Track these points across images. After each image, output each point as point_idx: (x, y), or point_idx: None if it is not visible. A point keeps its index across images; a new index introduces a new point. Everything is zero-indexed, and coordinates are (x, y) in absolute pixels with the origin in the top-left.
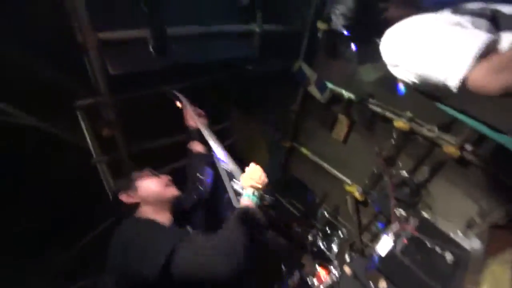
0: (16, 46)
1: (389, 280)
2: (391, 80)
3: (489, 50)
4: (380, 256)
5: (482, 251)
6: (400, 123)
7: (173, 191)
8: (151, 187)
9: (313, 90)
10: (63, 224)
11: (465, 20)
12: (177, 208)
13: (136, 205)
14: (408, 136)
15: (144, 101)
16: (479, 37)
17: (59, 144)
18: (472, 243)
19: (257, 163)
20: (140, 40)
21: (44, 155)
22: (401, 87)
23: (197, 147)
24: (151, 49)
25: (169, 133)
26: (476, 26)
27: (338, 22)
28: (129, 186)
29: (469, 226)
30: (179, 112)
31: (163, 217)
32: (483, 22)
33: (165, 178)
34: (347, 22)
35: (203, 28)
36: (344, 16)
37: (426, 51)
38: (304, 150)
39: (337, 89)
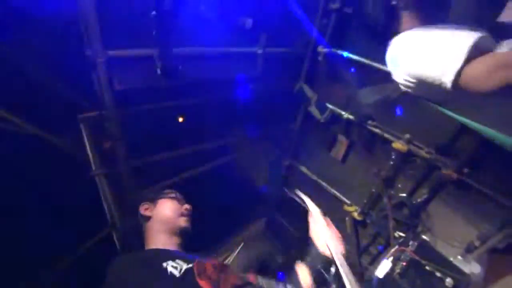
0: (25, 55)
1: None
2: (390, 103)
3: (481, 48)
4: (378, 279)
5: (482, 275)
6: (398, 145)
7: (183, 222)
8: (166, 208)
9: (314, 110)
10: (55, 235)
11: (463, 28)
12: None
13: (147, 218)
14: (406, 157)
15: (147, 115)
16: (471, 36)
17: (58, 155)
18: (472, 268)
19: (257, 179)
20: (148, 58)
21: (42, 165)
22: (399, 110)
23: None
24: (157, 69)
25: (170, 147)
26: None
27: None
28: (151, 199)
29: (468, 250)
30: (181, 126)
31: (170, 241)
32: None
33: (183, 207)
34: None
35: (209, 49)
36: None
37: (424, 51)
38: (303, 169)
39: (336, 110)
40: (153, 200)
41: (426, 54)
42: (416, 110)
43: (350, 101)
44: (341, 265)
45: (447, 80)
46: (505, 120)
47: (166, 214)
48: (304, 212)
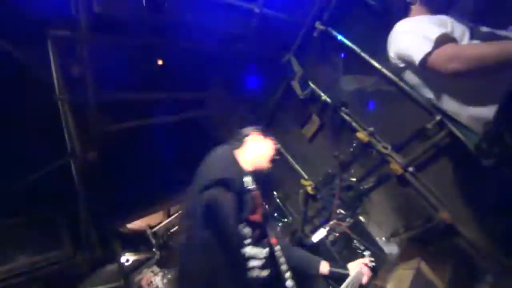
0: None
1: None
2: (366, 95)
3: (446, 41)
4: (313, 243)
5: (396, 256)
6: (361, 135)
7: (268, 166)
8: (260, 149)
9: (296, 85)
10: (13, 158)
11: (448, 20)
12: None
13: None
14: (365, 148)
15: (124, 49)
16: (438, 31)
17: (23, 74)
18: (391, 248)
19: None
20: None
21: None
22: (371, 104)
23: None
24: (144, 3)
25: (139, 89)
26: (454, 27)
27: None
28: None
29: (393, 234)
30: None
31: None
32: (462, 27)
33: (273, 151)
34: None
35: None
36: None
37: (407, 36)
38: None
39: (317, 90)
40: (264, 135)
41: (408, 38)
42: (386, 108)
43: (331, 84)
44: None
45: (417, 60)
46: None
47: (259, 153)
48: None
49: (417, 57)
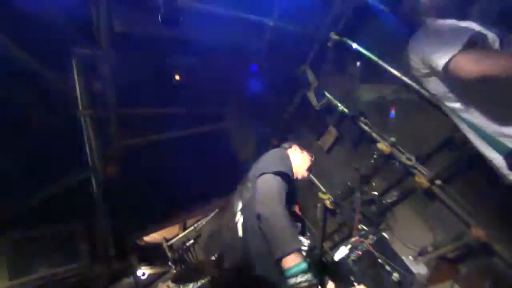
0: None
1: (337, 285)
2: (385, 104)
3: (472, 43)
4: (334, 261)
5: (426, 277)
6: (383, 146)
7: (305, 175)
8: (299, 160)
9: (311, 96)
10: (34, 169)
11: (475, 26)
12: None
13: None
14: (387, 159)
15: (144, 65)
16: (465, 32)
17: (47, 87)
18: (419, 269)
19: (241, 155)
20: (153, 4)
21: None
22: (392, 113)
23: None
24: (160, 19)
25: (162, 103)
26: (483, 31)
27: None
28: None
29: (420, 253)
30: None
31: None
32: (491, 34)
33: (309, 163)
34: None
35: (218, 8)
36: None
37: (429, 39)
38: None
39: (333, 101)
40: (302, 149)
41: (431, 41)
42: (407, 117)
43: (348, 94)
44: None
45: (441, 63)
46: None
47: (302, 169)
48: None
49: (441, 61)
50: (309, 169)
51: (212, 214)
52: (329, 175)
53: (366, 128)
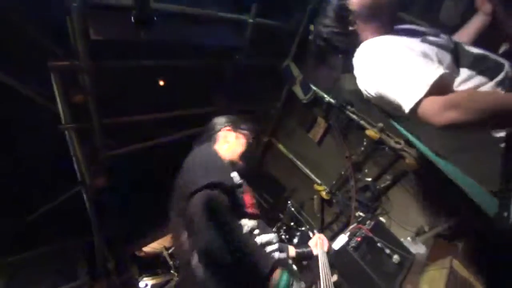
0: None
1: (340, 273)
2: None
3: (442, 84)
4: (334, 250)
5: (425, 256)
6: (371, 132)
7: (238, 159)
8: (231, 146)
9: (297, 89)
10: (21, 189)
11: (431, 50)
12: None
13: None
14: (377, 145)
15: (124, 73)
16: (434, 72)
17: (28, 105)
18: (418, 248)
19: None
20: (125, 9)
21: (8, 114)
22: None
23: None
24: (132, 19)
25: (146, 110)
26: (440, 58)
27: (319, 32)
28: (235, 126)
29: (418, 233)
30: (160, 89)
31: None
32: (447, 54)
33: (243, 146)
34: (327, 32)
35: (194, 9)
36: (324, 27)
37: (389, 72)
38: (281, 147)
39: (319, 92)
40: (236, 129)
41: (392, 76)
42: None
43: (333, 85)
44: (321, 258)
45: (406, 107)
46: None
47: (232, 148)
48: (274, 188)
49: (406, 105)
50: (248, 153)
51: None
52: (322, 166)
53: (354, 116)
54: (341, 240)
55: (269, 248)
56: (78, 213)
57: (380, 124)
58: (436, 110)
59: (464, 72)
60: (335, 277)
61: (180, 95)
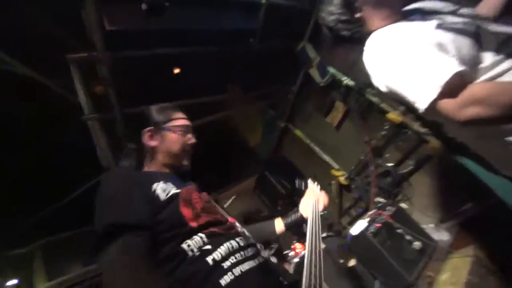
0: None
1: (358, 259)
2: None
3: (458, 81)
4: (352, 236)
5: (449, 243)
6: (393, 115)
7: (185, 160)
8: (174, 144)
9: (314, 72)
10: (46, 178)
11: (447, 38)
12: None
13: (149, 146)
14: (399, 129)
15: (141, 62)
16: (448, 69)
17: (51, 97)
18: (441, 235)
19: (250, 140)
20: None
21: (35, 108)
22: None
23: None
24: (144, 7)
25: (163, 98)
26: (458, 46)
27: (324, 21)
28: (159, 127)
29: (441, 220)
30: (176, 77)
31: (167, 168)
32: (466, 41)
33: (189, 141)
34: (333, 21)
35: None
36: (329, 14)
37: (400, 69)
38: (298, 132)
39: (338, 75)
40: (160, 129)
41: (404, 73)
42: None
43: (352, 66)
44: (311, 220)
45: (421, 106)
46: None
47: (172, 150)
48: (291, 173)
49: (420, 104)
50: (187, 149)
51: (230, 202)
52: (340, 151)
53: (374, 99)
54: (360, 225)
55: (227, 263)
56: None
57: (403, 107)
58: (457, 107)
59: (488, 58)
60: (353, 262)
61: (195, 83)
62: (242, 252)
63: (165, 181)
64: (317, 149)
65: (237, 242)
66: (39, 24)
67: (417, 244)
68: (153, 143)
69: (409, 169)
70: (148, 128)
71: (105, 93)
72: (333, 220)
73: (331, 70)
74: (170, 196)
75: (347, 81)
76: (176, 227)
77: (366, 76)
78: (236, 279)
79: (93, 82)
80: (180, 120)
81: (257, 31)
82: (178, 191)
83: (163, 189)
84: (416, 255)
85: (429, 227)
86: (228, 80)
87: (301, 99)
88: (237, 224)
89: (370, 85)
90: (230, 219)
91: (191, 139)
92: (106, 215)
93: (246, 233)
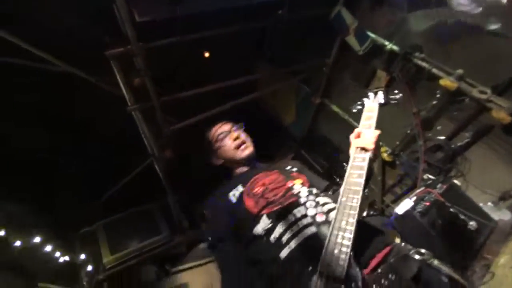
0: None
1: (403, 239)
2: (445, 31)
3: None
4: (397, 215)
5: (510, 223)
6: (447, 82)
7: (240, 153)
8: (225, 152)
9: (351, 40)
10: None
11: None
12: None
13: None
14: (453, 97)
15: (172, 50)
16: None
17: (94, 93)
18: (502, 215)
19: (285, 119)
20: None
21: (83, 104)
22: (454, 40)
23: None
24: None
25: (199, 83)
26: None
27: None
28: (212, 152)
29: (502, 198)
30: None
31: (242, 168)
32: None
33: (233, 142)
34: None
35: None
36: None
37: None
38: (334, 107)
39: (379, 40)
40: (213, 149)
41: None
42: (475, 41)
43: (396, 28)
44: (353, 159)
45: None
46: None
47: (231, 157)
48: (329, 151)
49: None
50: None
51: None
52: (383, 125)
53: (424, 64)
54: (406, 204)
55: (286, 235)
56: (156, 181)
57: (459, 71)
58: None
59: None
60: (397, 241)
61: (226, 64)
62: (298, 223)
63: (236, 186)
64: (356, 124)
65: (294, 215)
66: (77, 24)
67: (472, 224)
68: (219, 162)
69: (465, 141)
70: (208, 158)
71: (143, 84)
72: (375, 198)
73: (372, 35)
74: (238, 197)
75: (390, 45)
76: (245, 219)
77: (415, 37)
78: (292, 251)
79: (131, 74)
80: (217, 130)
81: (285, 1)
82: (242, 189)
83: (233, 194)
84: (471, 236)
85: (488, 206)
86: (259, 58)
87: (338, 71)
88: (298, 183)
89: (419, 48)
90: (288, 183)
91: (234, 136)
92: (207, 232)
93: (310, 190)
